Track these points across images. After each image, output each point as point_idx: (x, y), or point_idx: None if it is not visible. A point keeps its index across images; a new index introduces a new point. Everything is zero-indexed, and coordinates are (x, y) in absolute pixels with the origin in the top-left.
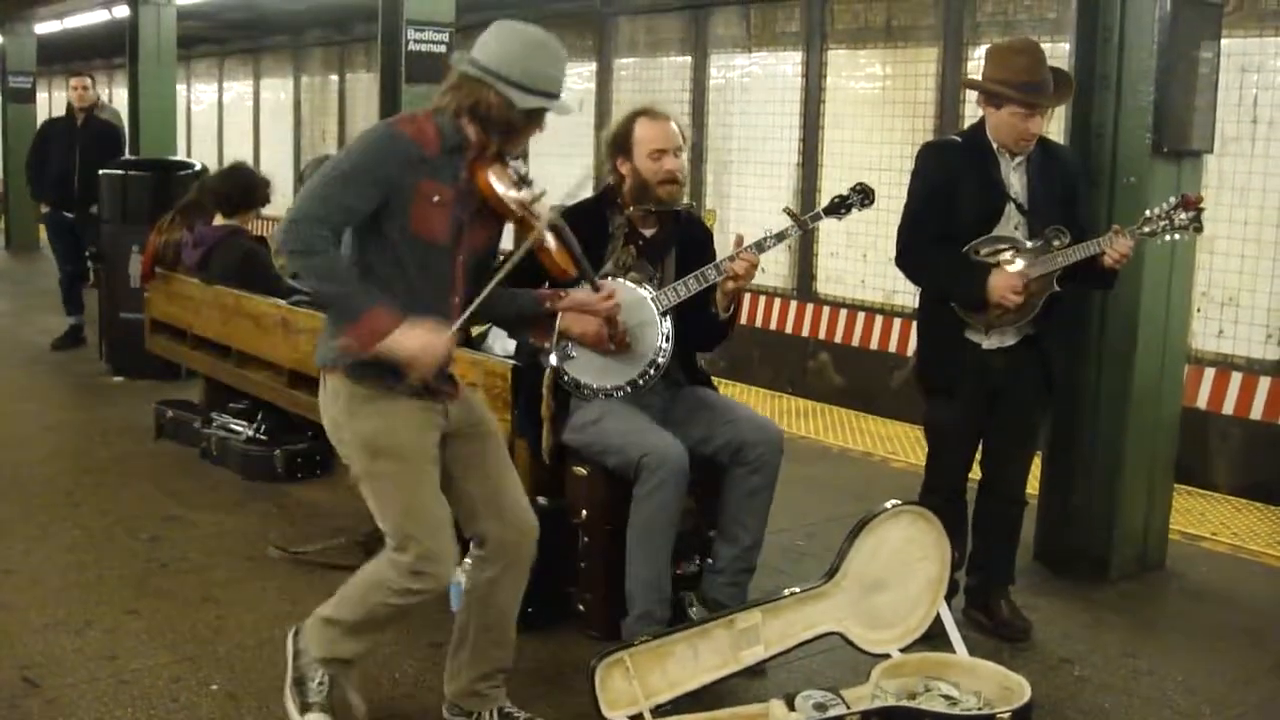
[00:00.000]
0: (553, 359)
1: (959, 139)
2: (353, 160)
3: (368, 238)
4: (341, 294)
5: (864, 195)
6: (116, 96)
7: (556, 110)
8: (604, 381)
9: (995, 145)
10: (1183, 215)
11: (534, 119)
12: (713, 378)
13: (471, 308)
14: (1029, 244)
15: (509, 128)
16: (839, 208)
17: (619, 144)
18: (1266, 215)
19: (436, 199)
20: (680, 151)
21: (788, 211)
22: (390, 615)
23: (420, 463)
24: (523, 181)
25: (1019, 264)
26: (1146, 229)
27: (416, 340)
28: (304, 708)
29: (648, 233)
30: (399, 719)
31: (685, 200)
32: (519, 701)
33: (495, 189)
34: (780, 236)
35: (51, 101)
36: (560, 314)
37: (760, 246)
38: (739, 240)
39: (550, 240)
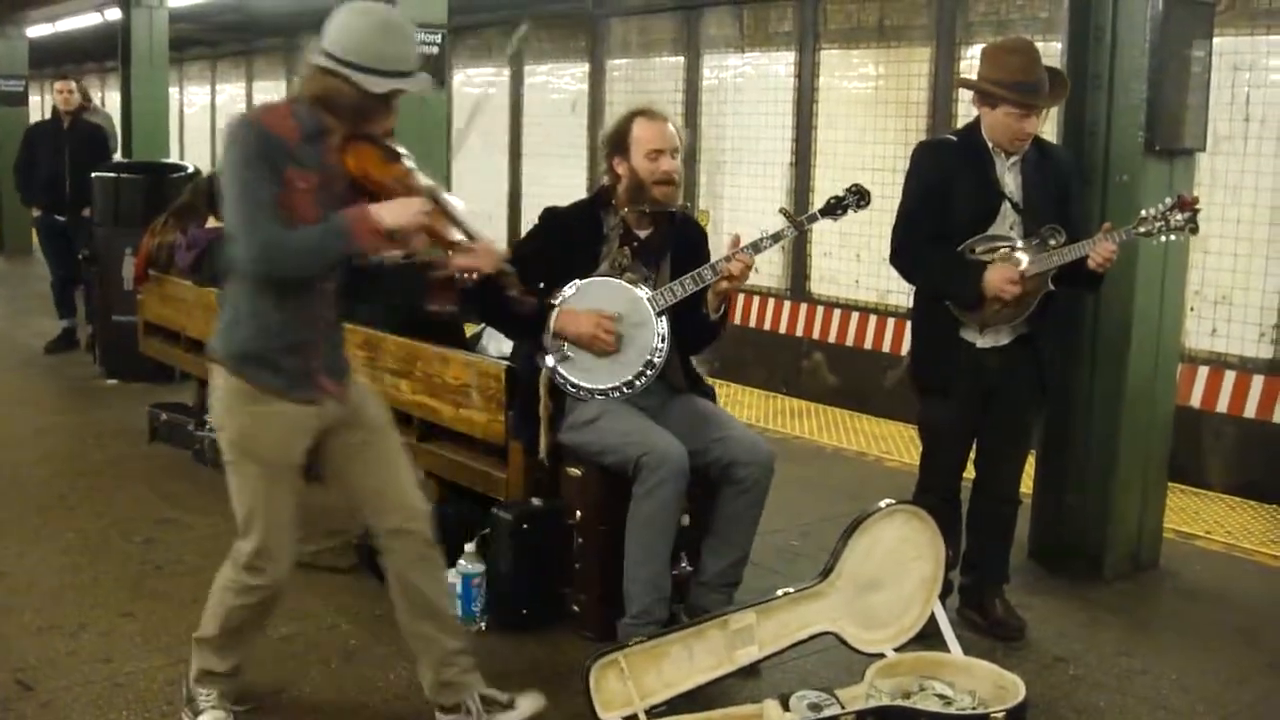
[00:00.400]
0: (549, 359)
1: (954, 138)
2: (241, 171)
3: None
4: (324, 242)
5: (859, 196)
6: (109, 99)
7: (412, 89)
8: (600, 382)
9: (990, 145)
10: (1179, 216)
11: (394, 102)
12: (707, 379)
13: (444, 197)
14: (1023, 243)
15: (364, 113)
16: (834, 209)
17: (616, 143)
18: (1259, 214)
19: (302, 185)
20: (677, 153)
21: (783, 212)
22: (243, 619)
23: (279, 468)
24: (395, 157)
25: (1023, 260)
26: (1142, 229)
27: (395, 212)
28: (196, 713)
29: (643, 234)
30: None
31: (681, 201)
32: None
33: (363, 169)
34: (776, 237)
35: (44, 105)
36: (556, 315)
37: (756, 248)
38: (735, 241)
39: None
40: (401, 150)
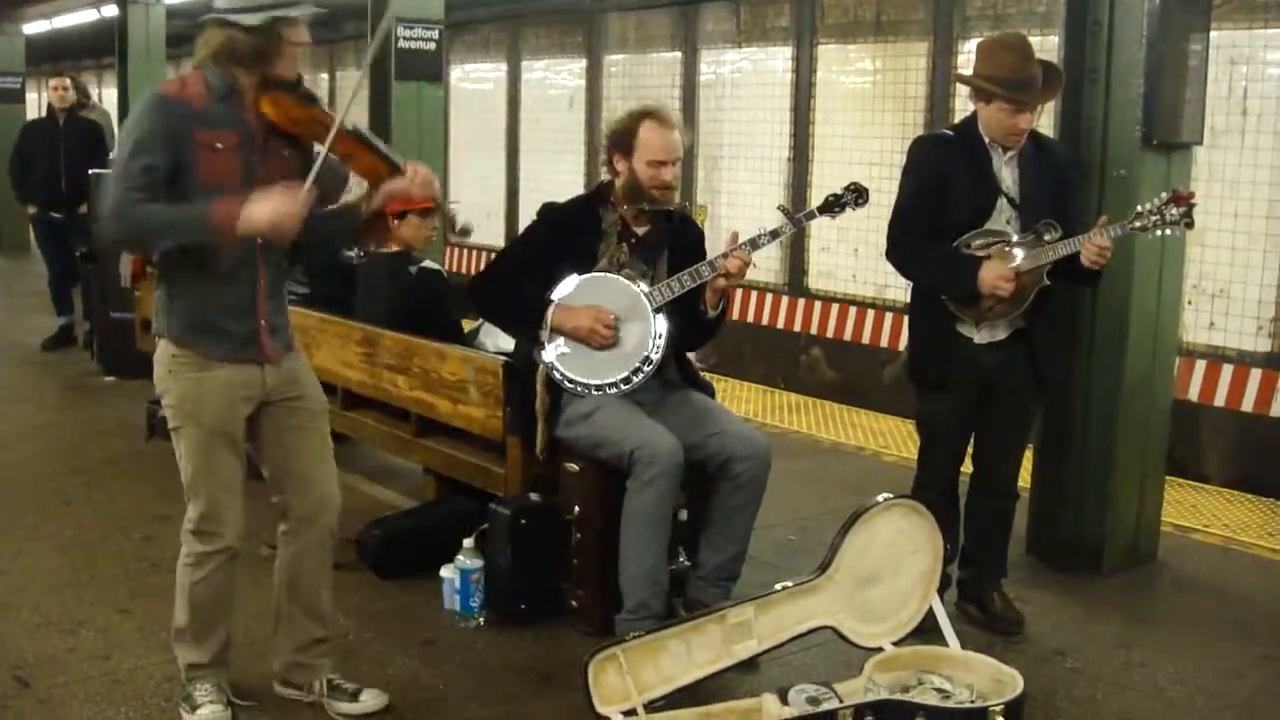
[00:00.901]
0: (545, 355)
1: (951, 133)
2: (131, 135)
3: (176, 193)
4: (175, 219)
5: (858, 194)
6: (106, 96)
7: (291, 13)
8: (597, 378)
9: (987, 140)
10: (1174, 210)
11: (285, 34)
12: (704, 374)
13: (306, 185)
14: (1019, 238)
15: (263, 54)
16: (833, 206)
17: (620, 142)
18: (1256, 207)
19: (219, 145)
20: (679, 162)
21: (782, 209)
22: (205, 597)
23: (218, 432)
24: (310, 100)
25: (1018, 255)
26: (1138, 224)
27: (268, 209)
28: (194, 708)
29: (640, 230)
30: (387, 714)
31: (677, 201)
32: (512, 699)
33: (278, 112)
34: (774, 234)
35: (41, 102)
36: (553, 311)
37: (754, 245)
38: (733, 238)
39: (350, 145)
40: (316, 96)
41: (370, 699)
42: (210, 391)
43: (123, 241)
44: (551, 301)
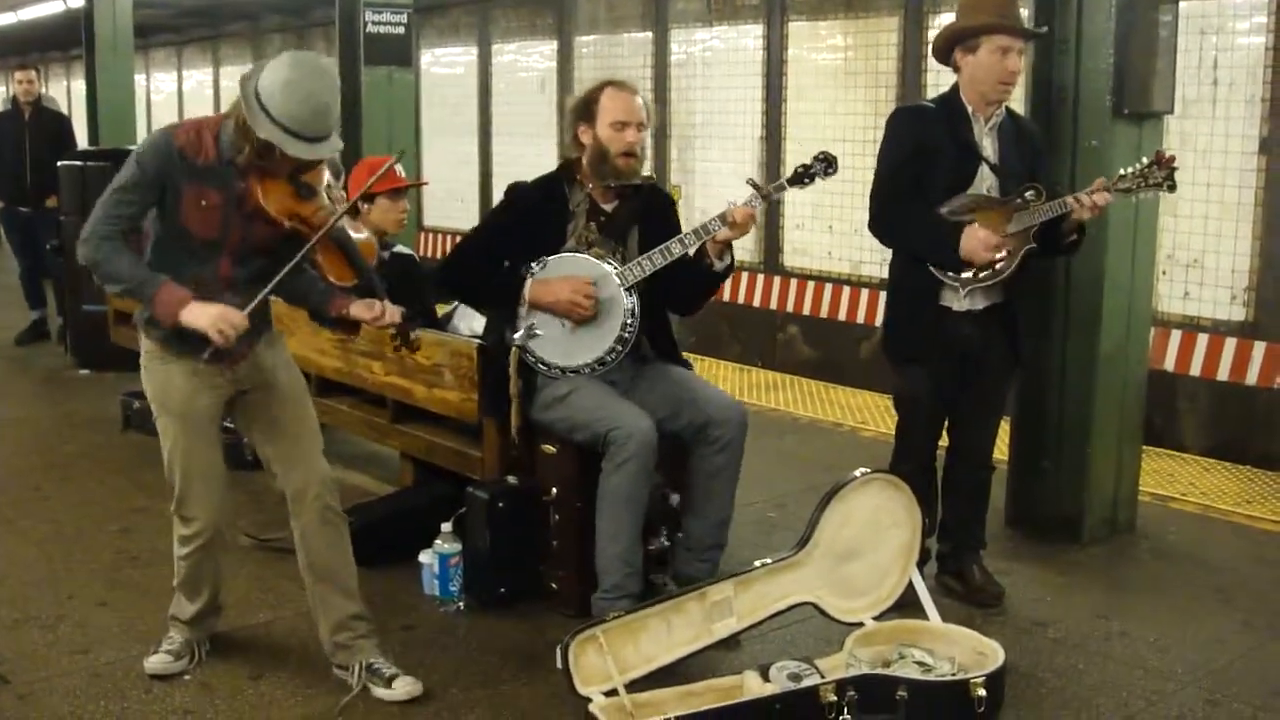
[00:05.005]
0: (517, 338)
1: (931, 104)
2: (131, 170)
3: (163, 218)
4: (132, 287)
5: (827, 164)
6: (74, 88)
7: (291, 150)
8: (569, 360)
9: (970, 109)
10: (1158, 173)
11: (279, 151)
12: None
13: (262, 294)
14: (1002, 199)
15: (264, 151)
16: (803, 177)
17: (583, 110)
18: (1229, 177)
19: (204, 203)
20: (643, 127)
21: (751, 183)
22: (188, 571)
23: (193, 422)
24: (306, 195)
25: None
26: (1122, 185)
27: (208, 316)
28: (155, 651)
29: (608, 208)
30: (369, 701)
31: (646, 173)
32: (494, 682)
33: (265, 203)
34: (779, 187)
35: (7, 95)
36: (529, 287)
37: (765, 197)
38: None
39: (326, 250)
40: (315, 188)
41: (403, 687)
42: (176, 382)
43: (90, 266)
44: (526, 277)
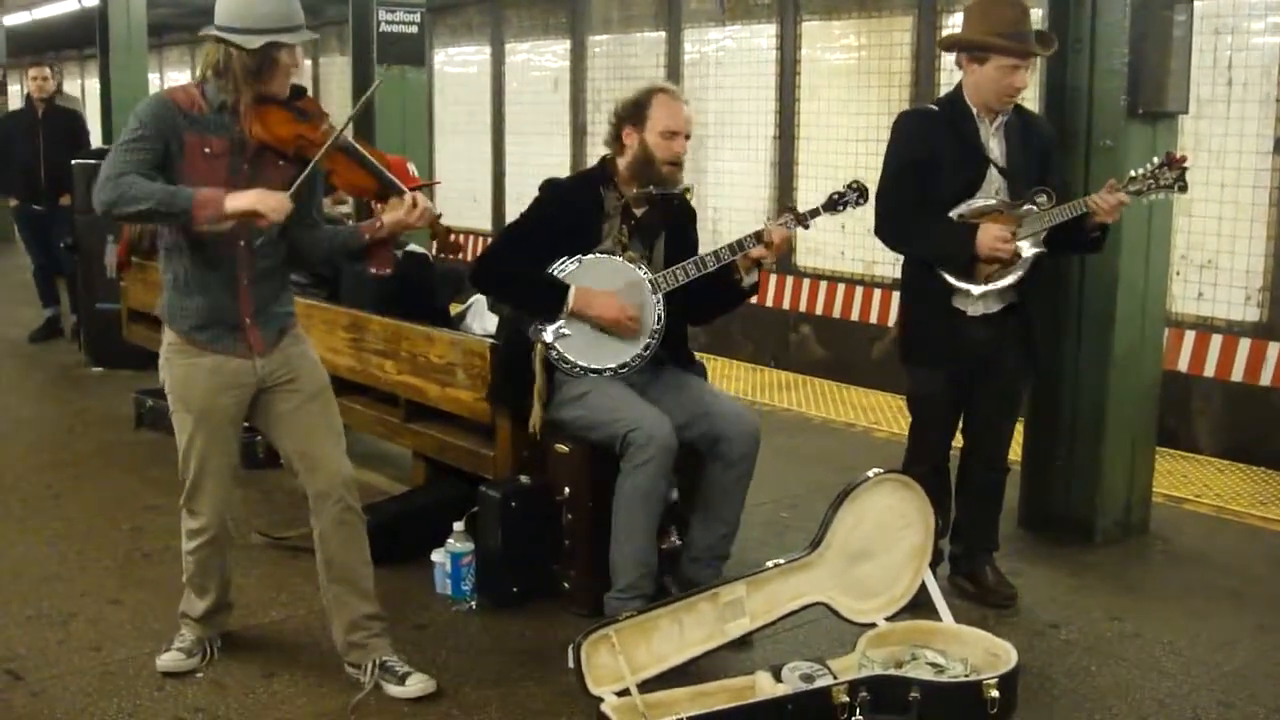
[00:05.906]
0: (546, 335)
1: (936, 107)
2: (131, 126)
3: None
4: (163, 198)
5: (860, 193)
6: (89, 87)
7: (287, 40)
8: (594, 361)
9: (975, 111)
10: (1168, 174)
11: (278, 56)
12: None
13: (297, 182)
14: (1013, 205)
15: (256, 73)
16: (837, 204)
17: (633, 113)
18: (1243, 177)
19: (207, 150)
20: (689, 137)
21: (790, 209)
22: (195, 568)
23: (209, 418)
24: (304, 116)
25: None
26: (1133, 188)
27: (249, 196)
28: (167, 649)
29: (638, 212)
30: (382, 699)
31: (684, 184)
32: (506, 681)
33: (266, 131)
34: (814, 213)
35: (23, 94)
36: (574, 295)
37: (801, 221)
38: (782, 211)
39: (337, 162)
40: (312, 111)
41: (416, 684)
42: (198, 378)
43: (109, 205)
44: (569, 285)
